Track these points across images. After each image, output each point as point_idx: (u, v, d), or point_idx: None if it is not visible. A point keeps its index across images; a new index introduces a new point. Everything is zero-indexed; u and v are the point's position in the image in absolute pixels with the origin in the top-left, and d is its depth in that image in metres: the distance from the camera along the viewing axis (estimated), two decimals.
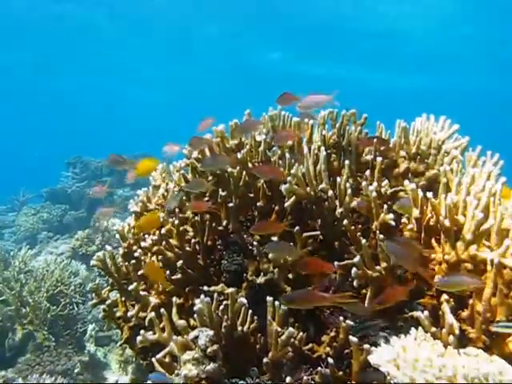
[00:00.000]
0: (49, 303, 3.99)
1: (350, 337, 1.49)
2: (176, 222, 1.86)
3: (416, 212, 1.55)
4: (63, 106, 26.38)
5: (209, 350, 1.50)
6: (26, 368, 3.69)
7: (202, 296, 1.60)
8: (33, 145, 29.83)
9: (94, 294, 2.13)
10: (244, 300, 1.62)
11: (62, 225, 7.35)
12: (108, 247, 2.13)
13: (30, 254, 4.57)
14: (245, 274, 1.83)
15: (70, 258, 5.14)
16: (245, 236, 1.88)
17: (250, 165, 1.86)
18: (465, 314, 1.48)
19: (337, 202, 1.67)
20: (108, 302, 2.06)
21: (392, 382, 1.12)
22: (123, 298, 2.05)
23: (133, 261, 2.03)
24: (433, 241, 1.60)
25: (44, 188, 8.24)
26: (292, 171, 1.69)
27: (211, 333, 1.53)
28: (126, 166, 1.98)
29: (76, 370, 3.80)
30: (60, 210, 7.57)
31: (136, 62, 18.53)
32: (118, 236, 2.16)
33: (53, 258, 4.78)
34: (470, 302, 1.47)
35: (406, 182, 1.61)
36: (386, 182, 1.75)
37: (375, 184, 1.62)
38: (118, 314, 2.04)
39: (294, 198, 1.71)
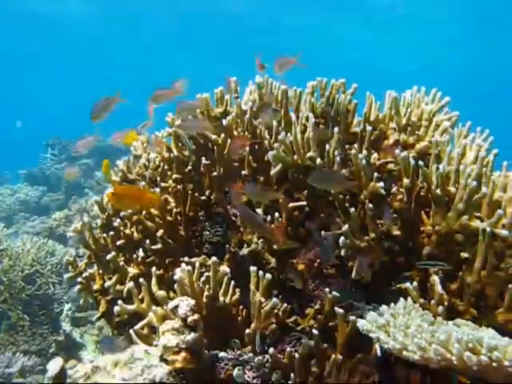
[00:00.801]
0: (24, 283, 3.89)
1: (336, 308, 1.44)
2: (157, 190, 1.80)
3: (407, 181, 1.51)
4: (40, 87, 26.01)
5: (189, 319, 1.44)
6: None
7: (183, 265, 1.53)
8: (9, 124, 29.25)
9: (70, 267, 2.06)
10: (227, 269, 1.56)
11: (40, 206, 7.20)
12: (86, 218, 2.05)
13: (6, 234, 4.45)
14: (227, 246, 1.77)
15: (47, 237, 5.01)
16: (228, 207, 1.82)
17: (235, 133, 1.80)
18: (454, 286, 1.44)
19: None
20: (85, 274, 1.98)
21: (382, 347, 1.08)
22: (101, 271, 1.98)
23: (111, 232, 1.96)
24: (422, 213, 1.56)
25: (22, 169, 8.07)
26: (280, 137, 1.63)
27: (192, 302, 1.47)
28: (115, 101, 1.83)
29: (51, 350, 3.72)
30: (38, 191, 7.42)
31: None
32: (96, 208, 2.08)
33: (29, 237, 4.66)
34: (460, 274, 1.44)
35: (397, 151, 1.56)
36: (376, 154, 1.70)
37: (365, 152, 1.57)
38: (95, 287, 1.96)
39: (280, 165, 1.66)
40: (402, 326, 1.09)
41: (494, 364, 0.92)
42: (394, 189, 1.59)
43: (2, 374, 3.12)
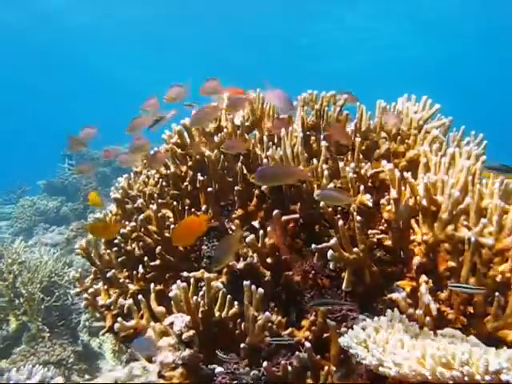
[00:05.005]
0: (43, 294, 3.97)
1: (328, 320, 1.47)
2: (154, 207, 1.84)
3: (394, 192, 1.52)
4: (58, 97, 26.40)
5: (184, 335, 1.48)
6: (21, 359, 3.68)
7: (179, 281, 1.57)
8: (28, 136, 29.64)
9: (76, 283, 2.11)
10: (220, 284, 1.59)
11: (59, 216, 7.32)
12: (90, 236, 2.10)
13: (24, 246, 4.54)
14: None
15: (65, 248, 5.11)
16: (225, 221, 1.85)
17: None
18: (443, 295, 1.45)
19: (315, 185, 1.64)
20: (90, 290, 2.03)
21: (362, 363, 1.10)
22: (106, 286, 2.03)
23: (114, 248, 2.01)
24: (412, 221, 1.57)
25: (41, 180, 8.22)
26: (269, 153, 1.66)
27: (187, 318, 1.51)
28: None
29: (70, 360, 3.79)
30: (57, 201, 7.56)
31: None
32: None
33: (46, 248, 4.75)
34: (449, 282, 1.45)
35: (384, 162, 1.58)
36: (368, 164, 1.72)
37: (352, 165, 1.59)
38: (101, 303, 2.01)
39: None
40: (382, 341, 1.11)
41: (466, 378, 0.93)
42: (385, 199, 1.60)
43: None
